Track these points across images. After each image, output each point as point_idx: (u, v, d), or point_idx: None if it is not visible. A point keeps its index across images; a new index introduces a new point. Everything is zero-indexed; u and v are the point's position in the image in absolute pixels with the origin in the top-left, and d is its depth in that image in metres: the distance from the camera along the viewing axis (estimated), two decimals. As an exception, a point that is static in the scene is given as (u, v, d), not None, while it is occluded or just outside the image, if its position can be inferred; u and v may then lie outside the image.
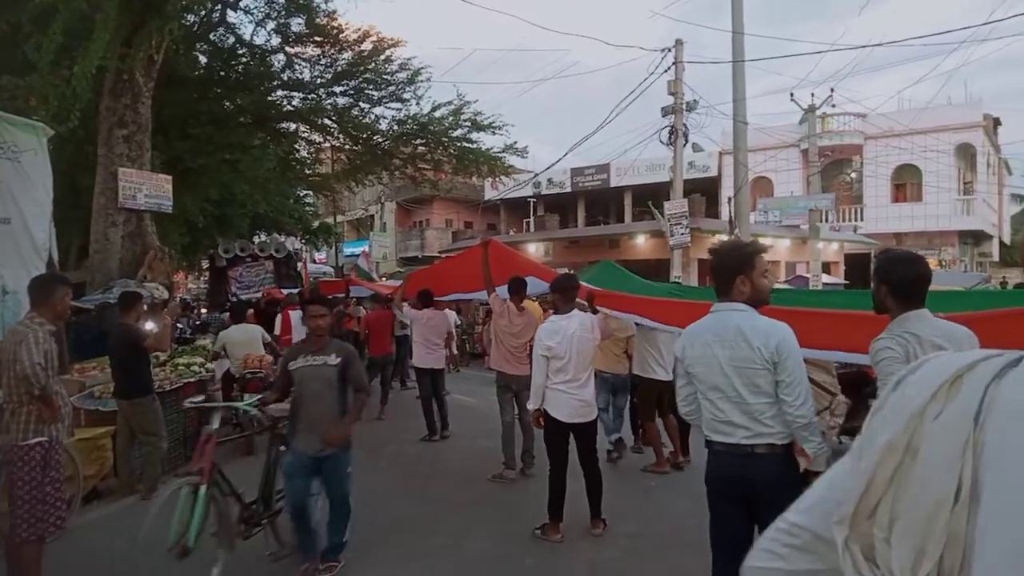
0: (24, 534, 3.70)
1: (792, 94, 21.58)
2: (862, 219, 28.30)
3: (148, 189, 9.18)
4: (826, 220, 24.24)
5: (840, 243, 25.87)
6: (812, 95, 21.02)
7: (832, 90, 21.59)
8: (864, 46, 22.08)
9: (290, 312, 10.21)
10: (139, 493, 6.11)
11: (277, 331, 10.19)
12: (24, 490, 3.71)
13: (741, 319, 3.07)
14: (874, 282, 3.04)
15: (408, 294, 8.75)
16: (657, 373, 6.88)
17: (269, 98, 15.01)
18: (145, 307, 6.73)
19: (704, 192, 24.86)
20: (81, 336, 7.22)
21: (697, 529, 3.09)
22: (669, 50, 15.51)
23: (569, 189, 32.49)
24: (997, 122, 30.01)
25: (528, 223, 32.41)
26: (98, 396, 6.48)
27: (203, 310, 18.57)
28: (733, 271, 3.11)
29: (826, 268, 22.45)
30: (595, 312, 5.77)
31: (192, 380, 7.87)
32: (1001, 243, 31.40)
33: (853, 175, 29.68)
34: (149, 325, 6.64)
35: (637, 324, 6.73)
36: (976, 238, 29.15)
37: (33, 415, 3.78)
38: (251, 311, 10.41)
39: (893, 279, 2.95)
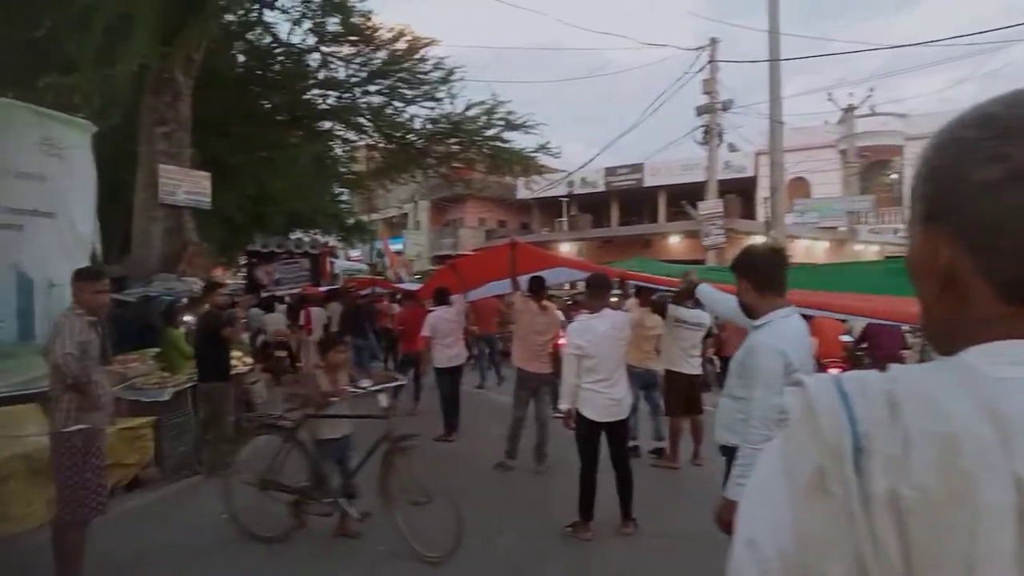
0: (67, 517, 3.79)
1: (830, 94, 21.21)
2: (903, 221, 27.70)
3: (187, 186, 9.35)
4: (865, 222, 23.79)
5: (880, 246, 25.36)
6: (850, 95, 20.66)
7: (871, 90, 21.22)
8: (903, 45, 21.68)
9: (311, 309, 12.89)
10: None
11: (301, 322, 12.93)
12: (65, 476, 3.80)
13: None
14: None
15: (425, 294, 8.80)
16: (683, 367, 6.88)
17: (305, 97, 15.20)
18: (184, 301, 6.87)
19: (740, 193, 24.54)
20: (123, 328, 7.36)
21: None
22: (704, 49, 15.36)
23: (602, 188, 32.31)
24: (1044, 122, 29.23)
25: (561, 223, 32.32)
26: (139, 387, 6.61)
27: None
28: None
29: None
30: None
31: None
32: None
33: (894, 176, 29.08)
34: (188, 318, 6.78)
35: (665, 320, 6.93)
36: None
37: (73, 404, 3.86)
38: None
39: None
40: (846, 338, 9.67)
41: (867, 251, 22.91)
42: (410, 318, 10.54)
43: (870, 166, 27.46)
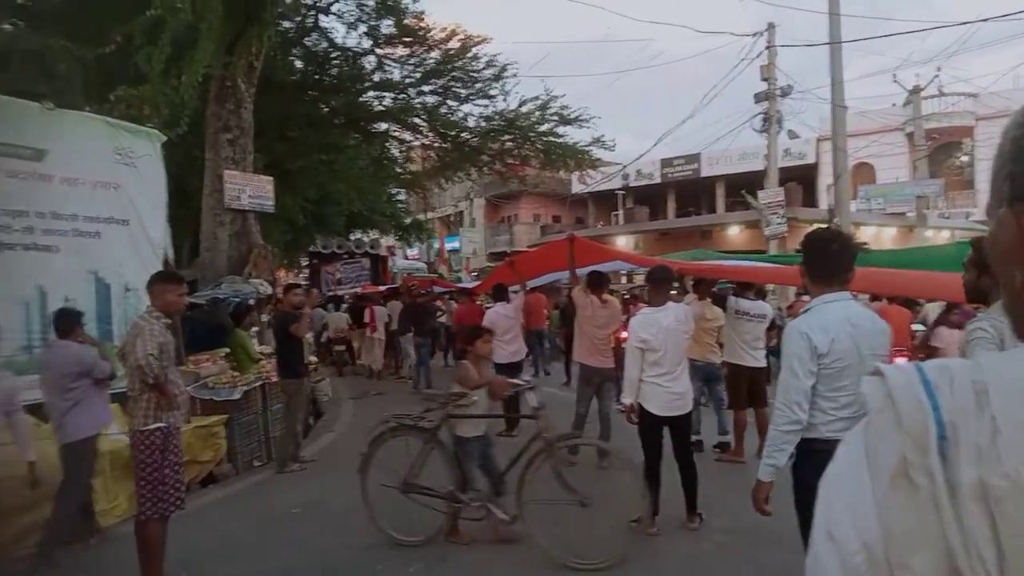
0: (148, 512, 3.95)
1: (895, 75, 20.47)
2: (975, 205, 26.55)
3: (251, 190, 9.62)
4: (935, 207, 22.88)
5: (951, 231, 24.37)
6: (917, 75, 19.88)
7: (939, 69, 20.37)
8: (972, 21, 20.66)
9: (374, 307, 13.71)
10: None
11: (366, 320, 13.70)
12: (145, 472, 3.96)
13: (858, 306, 3.04)
14: (973, 270, 2.86)
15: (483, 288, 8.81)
16: (745, 359, 6.77)
17: (361, 99, 15.46)
18: (252, 302, 7.08)
19: (800, 180, 23.91)
20: (195, 329, 7.63)
21: (793, 525, 2.97)
22: (761, 34, 15.02)
23: (658, 180, 31.91)
24: None
25: (616, 216, 32.06)
26: (212, 386, 6.84)
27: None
28: (853, 261, 3.00)
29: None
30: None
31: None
32: None
33: (964, 158, 27.88)
34: (264, 317, 7.01)
35: (725, 312, 6.87)
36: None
37: (152, 403, 4.01)
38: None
39: None
40: (918, 327, 9.31)
41: (937, 236, 22.02)
42: (467, 315, 10.62)
43: (939, 148, 26.39)
